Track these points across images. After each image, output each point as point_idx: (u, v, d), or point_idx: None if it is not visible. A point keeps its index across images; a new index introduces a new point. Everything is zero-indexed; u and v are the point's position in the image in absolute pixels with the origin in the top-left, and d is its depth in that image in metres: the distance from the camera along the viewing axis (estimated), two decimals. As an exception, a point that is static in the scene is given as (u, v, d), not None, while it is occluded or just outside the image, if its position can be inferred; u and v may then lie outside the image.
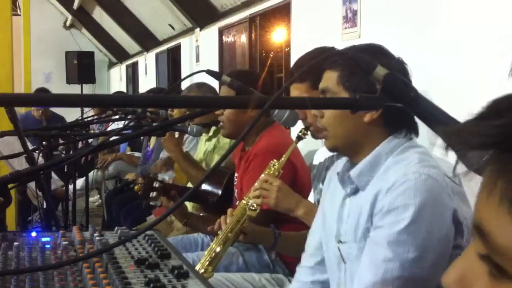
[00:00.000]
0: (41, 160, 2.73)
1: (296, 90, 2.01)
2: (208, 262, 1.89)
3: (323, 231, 1.63)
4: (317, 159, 2.15)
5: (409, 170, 1.35)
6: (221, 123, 2.63)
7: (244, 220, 1.93)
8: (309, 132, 1.96)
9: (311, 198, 2.12)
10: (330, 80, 1.52)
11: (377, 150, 1.45)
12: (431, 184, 1.32)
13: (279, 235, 2.04)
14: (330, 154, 2.01)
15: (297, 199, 1.92)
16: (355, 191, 1.48)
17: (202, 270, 1.87)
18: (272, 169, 1.97)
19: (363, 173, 1.45)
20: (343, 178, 1.52)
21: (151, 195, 2.56)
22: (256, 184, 1.95)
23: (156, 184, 2.57)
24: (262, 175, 1.96)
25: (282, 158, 1.97)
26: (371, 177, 1.44)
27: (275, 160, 1.98)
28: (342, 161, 1.61)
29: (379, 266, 1.32)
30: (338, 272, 1.54)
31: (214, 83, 3.54)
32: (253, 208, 1.91)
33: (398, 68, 1.42)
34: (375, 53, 1.45)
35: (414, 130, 1.48)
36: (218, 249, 1.90)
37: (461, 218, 1.35)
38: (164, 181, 2.77)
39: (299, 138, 1.96)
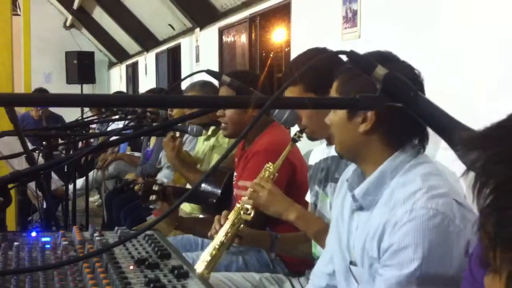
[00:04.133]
0: (41, 160, 2.73)
1: (290, 93, 1.99)
2: (204, 266, 1.87)
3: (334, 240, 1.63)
4: (313, 160, 2.14)
5: (417, 205, 1.30)
6: (223, 125, 2.62)
7: (240, 223, 1.92)
8: (304, 135, 1.96)
9: (308, 198, 2.12)
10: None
11: (382, 168, 1.41)
12: (440, 220, 1.28)
13: (276, 238, 2.03)
14: (325, 155, 2.01)
15: (287, 203, 1.90)
16: (361, 208, 1.46)
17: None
18: (267, 172, 1.96)
19: (368, 193, 1.42)
20: (353, 186, 1.49)
21: (150, 198, 2.55)
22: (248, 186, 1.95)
23: (155, 187, 2.56)
24: (256, 179, 1.95)
25: (277, 162, 1.97)
26: (376, 196, 1.41)
27: (270, 163, 1.98)
28: (352, 167, 1.59)
29: None
30: (347, 285, 1.54)
31: (214, 83, 3.54)
32: (248, 212, 1.91)
33: (406, 73, 1.39)
34: (385, 59, 1.43)
35: (421, 143, 1.43)
36: (214, 253, 1.89)
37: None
38: (163, 184, 2.76)
39: (294, 141, 1.96)
